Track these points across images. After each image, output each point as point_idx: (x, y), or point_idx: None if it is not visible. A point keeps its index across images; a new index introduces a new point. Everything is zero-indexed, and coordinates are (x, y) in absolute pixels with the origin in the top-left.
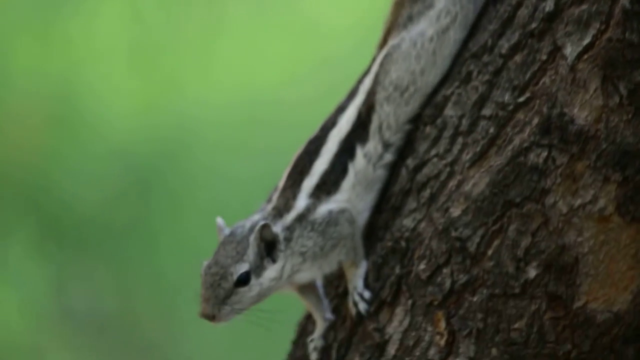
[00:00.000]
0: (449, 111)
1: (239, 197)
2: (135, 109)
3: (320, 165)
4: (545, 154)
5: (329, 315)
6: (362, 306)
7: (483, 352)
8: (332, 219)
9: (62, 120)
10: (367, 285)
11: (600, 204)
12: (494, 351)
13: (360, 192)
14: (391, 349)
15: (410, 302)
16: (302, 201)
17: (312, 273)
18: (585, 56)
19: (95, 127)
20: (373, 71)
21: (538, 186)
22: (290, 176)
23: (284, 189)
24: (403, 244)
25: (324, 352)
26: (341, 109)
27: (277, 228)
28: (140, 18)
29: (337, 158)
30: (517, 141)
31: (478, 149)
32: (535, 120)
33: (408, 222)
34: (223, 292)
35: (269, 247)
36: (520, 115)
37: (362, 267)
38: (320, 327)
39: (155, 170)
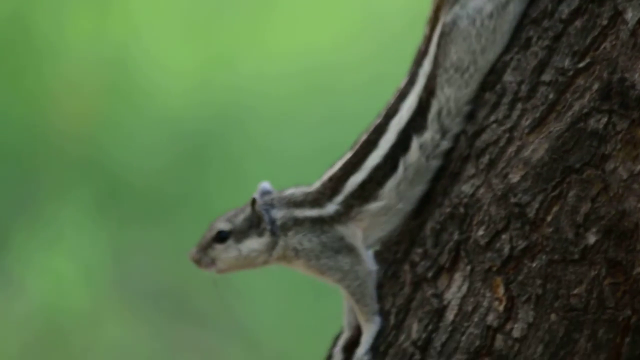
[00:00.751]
0: (508, 77)
1: (294, 166)
2: (189, 77)
3: (374, 159)
4: (605, 119)
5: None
6: None
7: (542, 317)
8: (338, 245)
9: (117, 89)
10: (373, 348)
11: None
12: (553, 317)
13: (404, 189)
14: (449, 315)
15: (468, 268)
16: (333, 206)
17: (310, 272)
18: None
19: (150, 96)
20: (431, 53)
21: (598, 152)
22: (346, 164)
23: (332, 178)
24: (462, 210)
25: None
26: (402, 96)
27: (285, 210)
28: None
29: (391, 151)
30: (576, 107)
31: (537, 114)
32: (596, 86)
33: (467, 188)
34: (205, 242)
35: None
36: (580, 81)
37: (373, 326)
38: (344, 338)
39: (209, 138)
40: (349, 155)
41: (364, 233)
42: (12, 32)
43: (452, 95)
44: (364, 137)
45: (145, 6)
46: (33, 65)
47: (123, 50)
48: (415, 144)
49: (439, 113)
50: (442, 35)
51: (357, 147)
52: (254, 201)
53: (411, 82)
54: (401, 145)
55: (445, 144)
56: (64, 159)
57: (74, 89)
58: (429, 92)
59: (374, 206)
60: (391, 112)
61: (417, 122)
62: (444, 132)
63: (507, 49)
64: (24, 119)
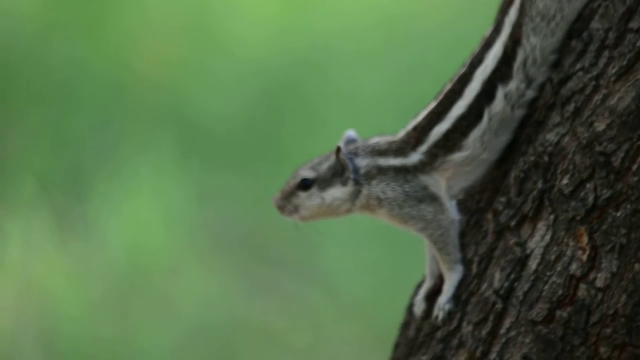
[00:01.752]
0: (596, 24)
1: (374, 113)
2: (269, 23)
3: (459, 109)
4: None
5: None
6: (441, 315)
7: (626, 267)
8: (422, 194)
9: (199, 37)
10: (455, 297)
11: None
12: (637, 267)
13: (489, 139)
14: (532, 264)
15: (552, 216)
16: (417, 155)
17: (393, 221)
18: None
19: (232, 44)
20: (517, 1)
21: None
22: (430, 114)
23: (416, 127)
24: (546, 158)
25: (467, 266)
26: (488, 45)
27: (369, 159)
28: None
29: (475, 101)
30: None
31: (624, 62)
32: None
33: (551, 137)
34: (289, 189)
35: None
36: None
37: (455, 275)
38: (425, 287)
39: (289, 84)
40: (433, 104)
41: (448, 183)
42: None
43: (538, 44)
44: (448, 87)
45: None
46: (115, 15)
47: None
48: (500, 93)
49: (525, 62)
50: None
51: (441, 96)
52: (338, 149)
53: (497, 30)
54: (486, 94)
55: (531, 93)
56: (146, 107)
57: (156, 37)
58: (514, 40)
59: (458, 156)
60: (476, 61)
61: (502, 71)
62: (529, 81)
63: None
64: (106, 68)
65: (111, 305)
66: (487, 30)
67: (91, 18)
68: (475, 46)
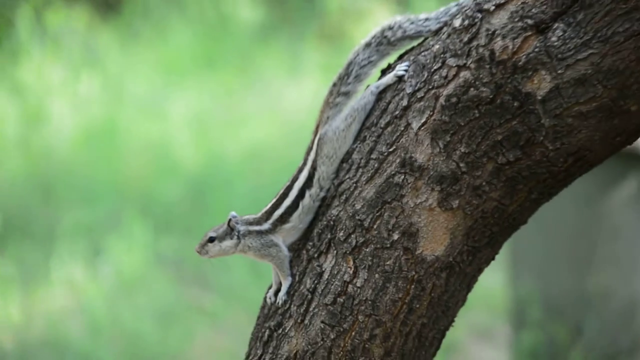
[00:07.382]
0: (355, 155)
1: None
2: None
3: (287, 202)
4: (402, 177)
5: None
6: (280, 302)
7: (371, 276)
8: (270, 244)
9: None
10: (287, 292)
11: (429, 201)
12: (377, 276)
13: (303, 218)
14: (325, 275)
15: (335, 251)
16: (267, 225)
17: (256, 258)
18: (423, 127)
19: None
20: (314, 148)
21: (399, 193)
22: (273, 205)
23: (266, 211)
24: (332, 222)
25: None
26: (300, 170)
27: (244, 226)
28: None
29: (295, 199)
30: (388, 171)
31: (369, 174)
32: (397, 160)
33: (334, 212)
34: (203, 242)
35: (233, 230)
36: (390, 158)
37: (287, 281)
38: (273, 288)
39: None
40: (274, 200)
41: (284, 239)
42: None
43: (324, 170)
44: (281, 191)
45: None
46: None
47: None
48: (307, 194)
49: (319, 179)
50: (319, 139)
51: (277, 196)
52: (230, 220)
53: (305, 163)
54: (300, 195)
55: (322, 194)
56: None
57: None
58: (313, 168)
59: (287, 226)
60: (295, 179)
61: (308, 184)
62: (321, 188)
63: (354, 141)
64: None
65: None
66: (300, 163)
67: None
68: (294, 171)
